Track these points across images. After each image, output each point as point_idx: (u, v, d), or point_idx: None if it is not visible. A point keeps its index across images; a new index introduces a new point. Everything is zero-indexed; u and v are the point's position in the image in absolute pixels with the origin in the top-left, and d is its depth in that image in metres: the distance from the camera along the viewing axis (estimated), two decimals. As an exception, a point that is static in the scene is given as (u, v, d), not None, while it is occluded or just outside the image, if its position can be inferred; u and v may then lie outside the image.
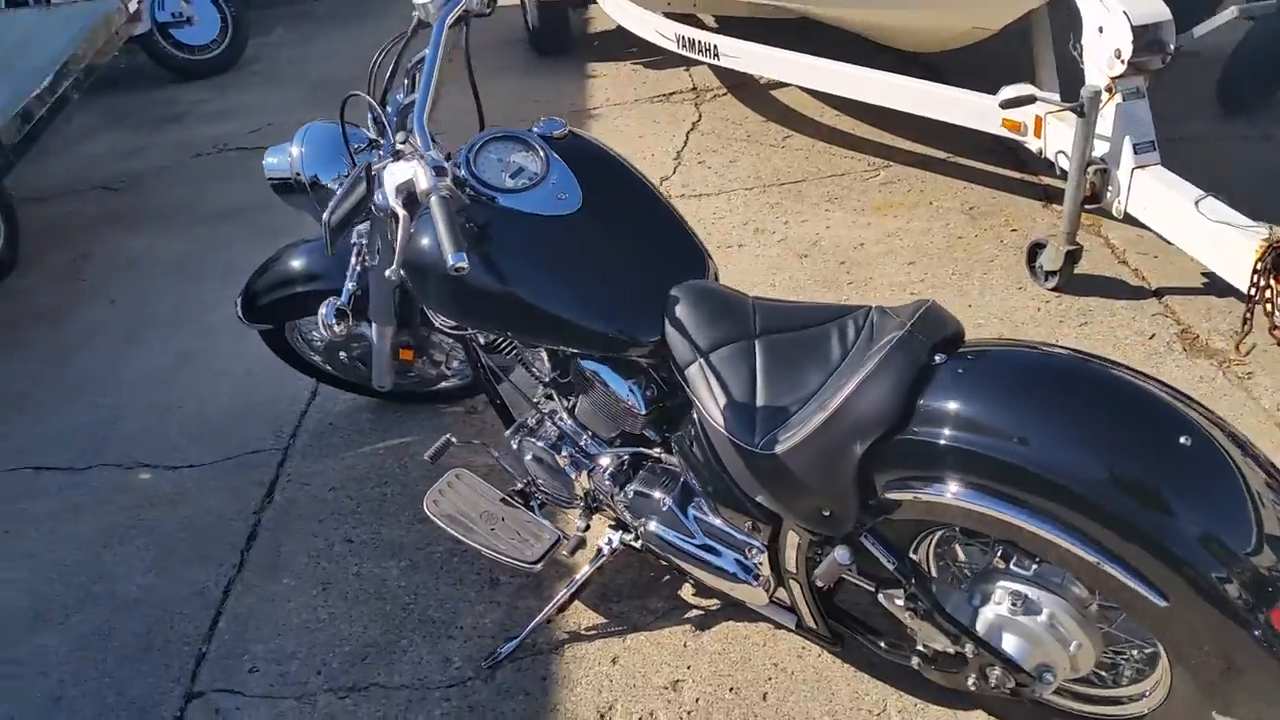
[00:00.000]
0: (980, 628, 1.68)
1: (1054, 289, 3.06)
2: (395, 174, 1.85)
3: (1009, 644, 1.66)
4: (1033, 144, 3.12)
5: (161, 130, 5.17)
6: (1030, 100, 2.87)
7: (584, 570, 2.18)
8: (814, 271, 3.30)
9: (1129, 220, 2.91)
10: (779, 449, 1.65)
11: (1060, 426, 1.47)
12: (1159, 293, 3.05)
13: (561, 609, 2.19)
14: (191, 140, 4.98)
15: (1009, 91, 2.90)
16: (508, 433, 2.22)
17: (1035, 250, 3.09)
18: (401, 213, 1.76)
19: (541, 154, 1.93)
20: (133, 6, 4.67)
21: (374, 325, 2.31)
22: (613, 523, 2.16)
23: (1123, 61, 2.72)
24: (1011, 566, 1.68)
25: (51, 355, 3.31)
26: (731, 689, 2.04)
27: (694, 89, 4.83)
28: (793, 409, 1.69)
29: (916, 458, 1.56)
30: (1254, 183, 3.39)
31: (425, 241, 1.84)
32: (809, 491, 1.66)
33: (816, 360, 1.73)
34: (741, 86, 4.71)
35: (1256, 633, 1.37)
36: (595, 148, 2.05)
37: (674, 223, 2.01)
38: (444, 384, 2.75)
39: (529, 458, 2.17)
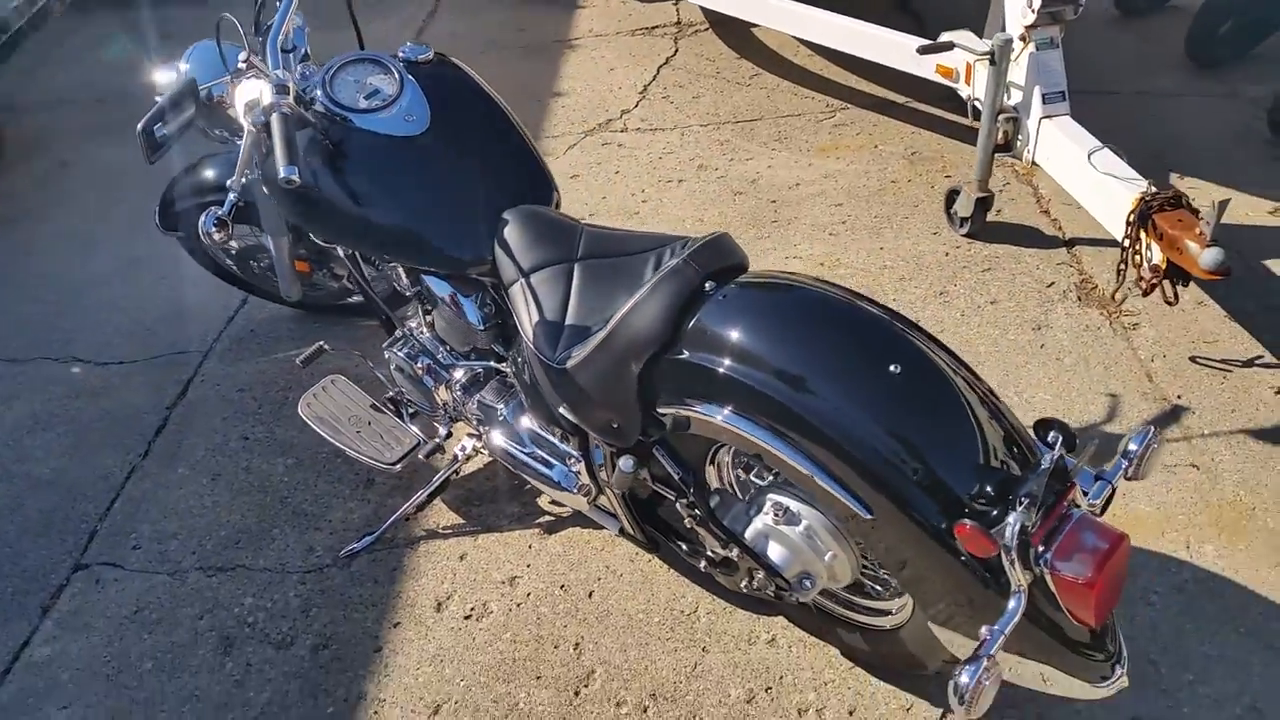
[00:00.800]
0: (748, 536, 1.81)
1: (967, 235, 3.12)
2: (244, 91, 2.01)
3: (772, 552, 1.79)
4: (963, 90, 3.16)
5: (162, 46, 5.36)
6: (949, 47, 2.91)
7: (440, 474, 2.35)
8: (744, 209, 3.39)
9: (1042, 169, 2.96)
10: (569, 364, 1.79)
11: (790, 352, 1.58)
12: (1070, 243, 3.09)
13: (420, 508, 2.37)
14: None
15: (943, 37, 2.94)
16: (384, 345, 2.38)
17: (952, 196, 3.14)
18: (249, 128, 1.92)
19: (396, 77, 2.06)
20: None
21: (268, 237, 2.47)
22: (470, 431, 2.32)
23: (1033, 10, 2.75)
24: (778, 480, 1.81)
25: (16, 254, 3.55)
26: (562, 586, 2.20)
27: (677, 23, 4.87)
28: (594, 329, 1.82)
29: (681, 378, 1.68)
30: (1206, 140, 3.40)
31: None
32: (597, 405, 1.80)
33: (625, 285, 1.85)
34: (724, 23, 4.74)
35: (943, 546, 1.48)
36: (458, 74, 2.17)
37: (523, 150, 2.13)
38: (354, 298, 2.91)
39: (394, 368, 2.34)
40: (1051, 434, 1.51)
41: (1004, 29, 2.91)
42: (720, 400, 1.63)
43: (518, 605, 2.18)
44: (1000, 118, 2.88)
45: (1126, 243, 2.46)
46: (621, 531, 2.13)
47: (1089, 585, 1.43)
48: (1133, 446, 1.57)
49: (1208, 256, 2.22)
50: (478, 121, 2.11)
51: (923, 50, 2.93)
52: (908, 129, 3.78)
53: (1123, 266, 2.49)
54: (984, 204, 3.04)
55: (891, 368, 1.52)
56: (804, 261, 3.11)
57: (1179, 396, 2.51)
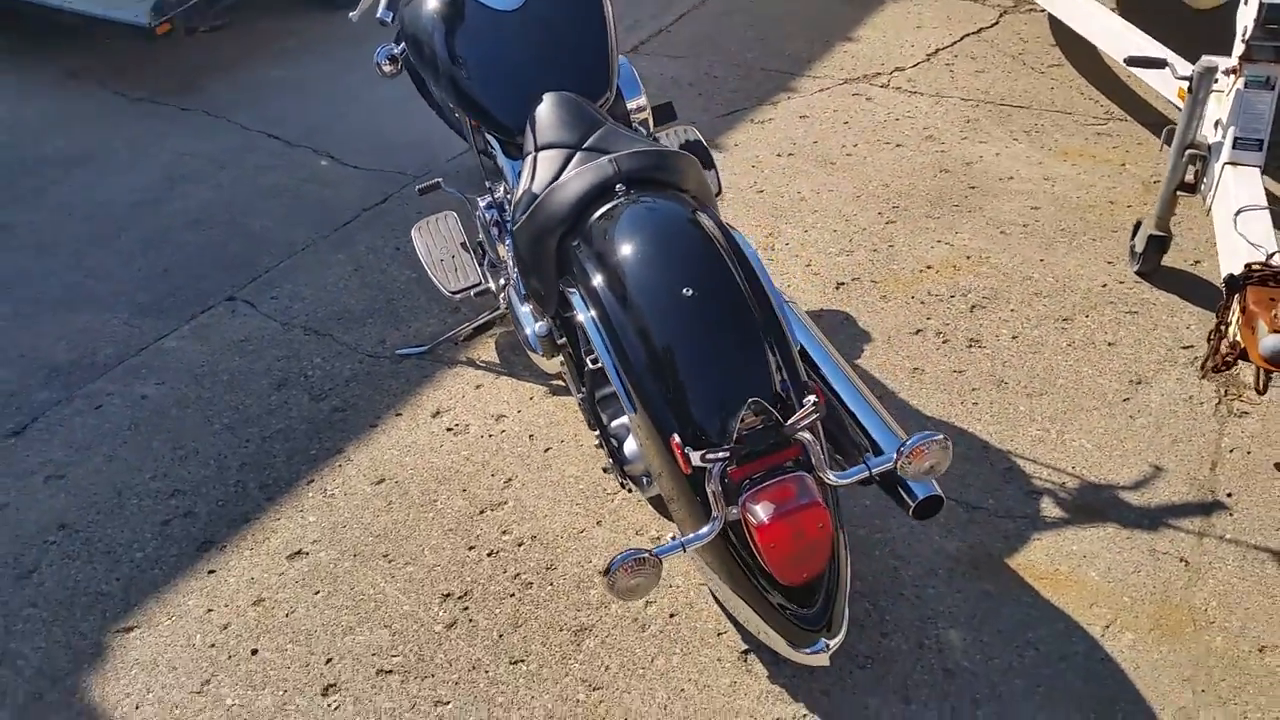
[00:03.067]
0: (611, 426, 2.06)
1: (1138, 272, 2.94)
2: None
3: (625, 445, 2.02)
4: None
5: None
6: (1159, 64, 2.73)
7: (484, 315, 2.79)
8: (936, 186, 3.40)
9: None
10: (514, 228, 2.12)
11: (627, 262, 1.77)
12: (1244, 311, 2.80)
13: (467, 339, 2.84)
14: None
15: (1147, 49, 2.78)
16: (480, 196, 2.83)
17: (1136, 229, 2.96)
18: None
19: None
20: None
21: None
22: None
23: (1244, 40, 2.52)
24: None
25: (321, 73, 4.45)
26: (530, 435, 2.57)
27: (1018, -1, 4.74)
28: None
29: (569, 263, 1.93)
30: None
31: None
32: (527, 269, 2.11)
33: None
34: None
35: (668, 454, 1.66)
36: None
37: (596, 47, 2.42)
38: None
39: (478, 219, 2.79)
40: (809, 398, 1.62)
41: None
42: (580, 289, 1.87)
43: (489, 435, 2.58)
44: (1187, 153, 2.67)
45: (1219, 312, 2.27)
46: (581, 402, 2.44)
47: (764, 532, 1.55)
48: (909, 442, 1.63)
49: (1268, 342, 2.03)
50: (567, 13, 2.43)
51: (1130, 61, 2.77)
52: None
53: (1211, 338, 2.30)
54: (1159, 244, 2.84)
55: (685, 291, 1.69)
56: (951, 248, 3.10)
57: (1229, 495, 2.29)
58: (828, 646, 1.67)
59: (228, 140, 4.01)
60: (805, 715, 1.91)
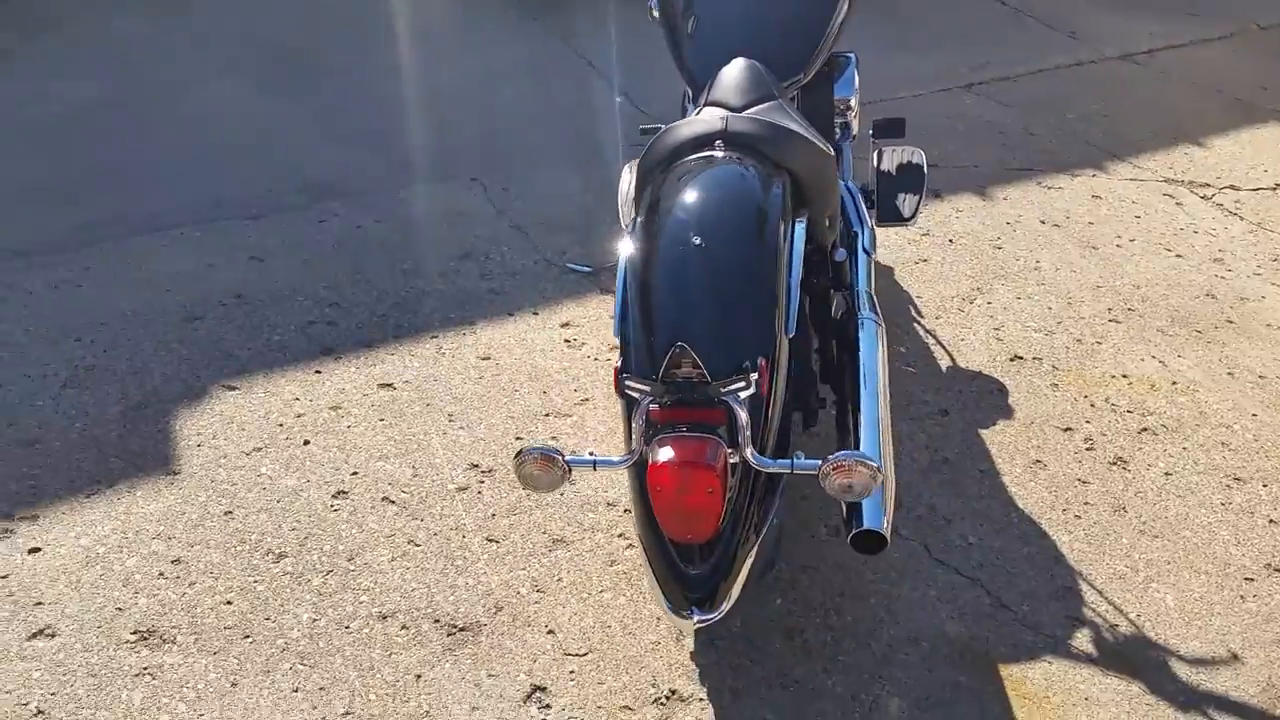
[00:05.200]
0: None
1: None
2: None
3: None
4: None
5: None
6: None
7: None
8: (1188, 307, 3.08)
9: None
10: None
11: (670, 204, 1.83)
12: None
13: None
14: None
15: None
16: None
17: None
18: None
19: None
20: None
21: None
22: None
23: None
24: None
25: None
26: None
27: None
28: None
29: (644, 198, 2.01)
30: None
31: None
32: (632, 201, 2.21)
33: None
34: None
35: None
36: None
37: (810, 35, 2.46)
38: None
39: None
40: (753, 374, 1.62)
41: None
42: (636, 221, 1.94)
43: (595, 358, 2.75)
44: None
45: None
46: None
47: (652, 472, 1.59)
48: (836, 455, 1.59)
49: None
50: (794, 5, 2.49)
51: None
52: None
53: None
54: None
55: (695, 239, 1.74)
56: (1162, 367, 2.82)
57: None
58: (693, 617, 1.68)
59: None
60: (703, 700, 1.92)
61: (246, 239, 3.15)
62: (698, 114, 2.17)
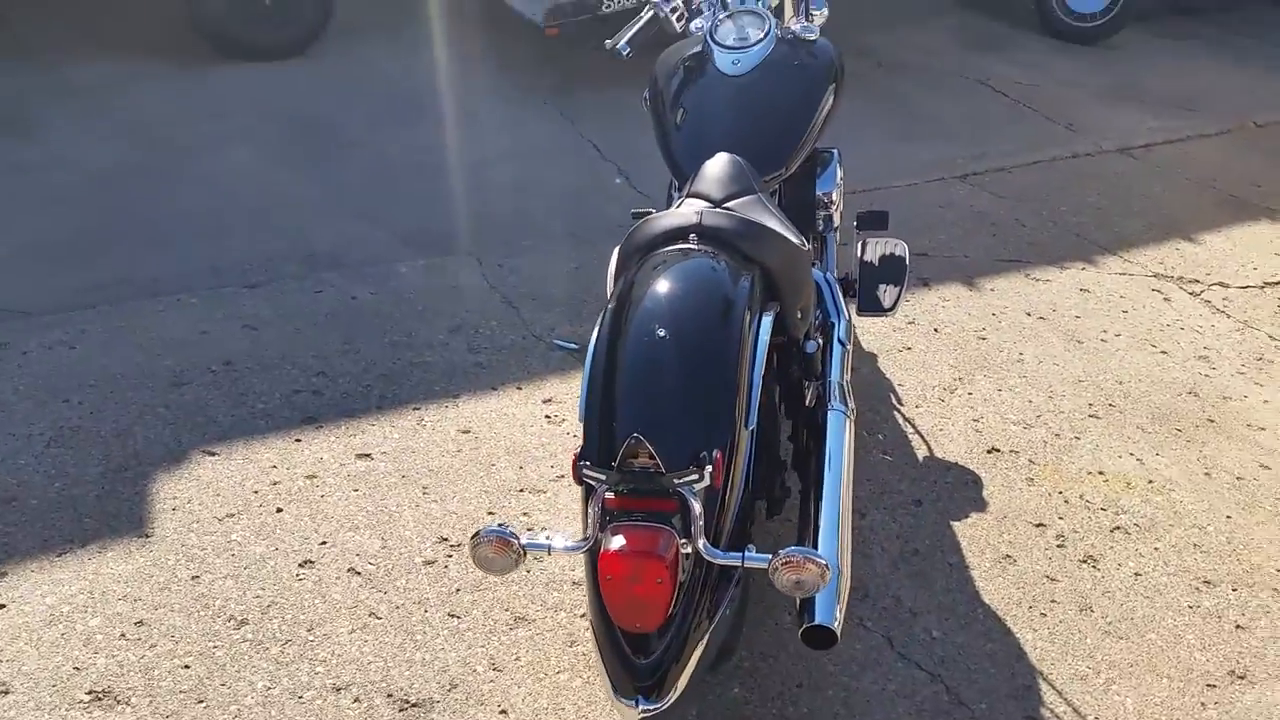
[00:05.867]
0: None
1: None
2: None
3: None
4: None
5: None
6: None
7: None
8: (1170, 405, 3.07)
9: None
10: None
11: (639, 294, 1.84)
12: None
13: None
14: None
15: None
16: None
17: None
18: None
19: (762, 37, 2.58)
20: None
21: None
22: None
23: None
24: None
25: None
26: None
27: None
28: None
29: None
30: None
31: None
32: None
33: None
34: None
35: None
36: (813, 57, 2.58)
37: (791, 132, 2.50)
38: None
39: None
40: (707, 468, 1.63)
41: None
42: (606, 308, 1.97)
43: (574, 434, 2.77)
44: None
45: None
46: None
47: (603, 561, 1.61)
48: (787, 550, 1.60)
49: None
50: (783, 90, 2.55)
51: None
52: None
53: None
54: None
55: (659, 330, 1.77)
56: (1139, 465, 2.81)
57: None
58: (638, 709, 1.67)
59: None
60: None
61: (242, 307, 3.21)
62: (678, 205, 2.22)
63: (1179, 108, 5.35)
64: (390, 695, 2.03)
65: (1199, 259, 3.95)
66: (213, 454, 2.62)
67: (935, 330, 3.38)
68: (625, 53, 2.67)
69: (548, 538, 1.70)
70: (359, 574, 2.30)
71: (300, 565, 2.32)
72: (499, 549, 1.66)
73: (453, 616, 2.21)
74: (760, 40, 2.54)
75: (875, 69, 5.64)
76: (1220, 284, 3.79)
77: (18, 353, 2.97)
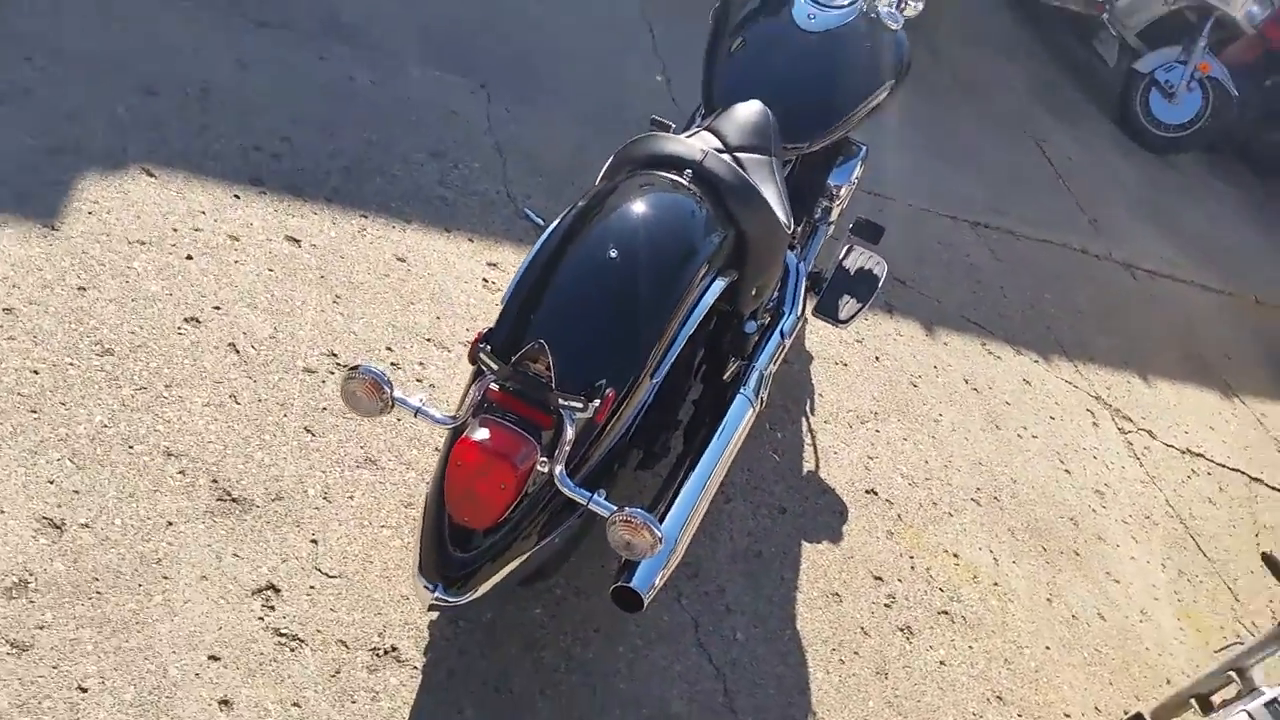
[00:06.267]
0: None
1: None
2: None
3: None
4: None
5: None
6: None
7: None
8: (1046, 520, 3.14)
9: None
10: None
11: (610, 206, 1.82)
12: None
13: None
14: None
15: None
16: None
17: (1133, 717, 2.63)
18: None
19: (848, 3, 2.48)
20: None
21: None
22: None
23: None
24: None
25: None
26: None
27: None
28: None
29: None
30: None
31: None
32: None
33: None
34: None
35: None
36: (882, 40, 2.49)
37: (834, 112, 2.45)
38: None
39: None
40: (594, 400, 1.62)
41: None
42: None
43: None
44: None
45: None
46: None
47: (458, 447, 1.59)
48: (630, 510, 1.59)
49: None
50: (838, 69, 2.47)
51: None
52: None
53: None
54: (1146, 726, 2.53)
55: (611, 250, 1.73)
56: (992, 564, 2.88)
57: None
58: (433, 594, 1.69)
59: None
60: (416, 669, 1.93)
61: (244, 42, 3.07)
62: (692, 134, 2.16)
63: (1198, 251, 5.35)
64: (215, 480, 2.03)
65: (1142, 400, 3.99)
66: (151, 175, 2.54)
67: (877, 359, 3.39)
68: None
69: (421, 400, 1.69)
70: (238, 352, 2.27)
71: (185, 320, 2.27)
72: (369, 391, 1.64)
73: (308, 431, 2.20)
74: (845, 6, 2.45)
75: (950, 80, 5.52)
76: (1149, 432, 3.85)
77: (0, -6, 2.81)
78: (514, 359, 1.62)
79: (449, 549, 1.70)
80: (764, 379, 2.28)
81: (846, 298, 2.80)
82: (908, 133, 4.73)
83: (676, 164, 1.94)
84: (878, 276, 2.82)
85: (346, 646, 1.90)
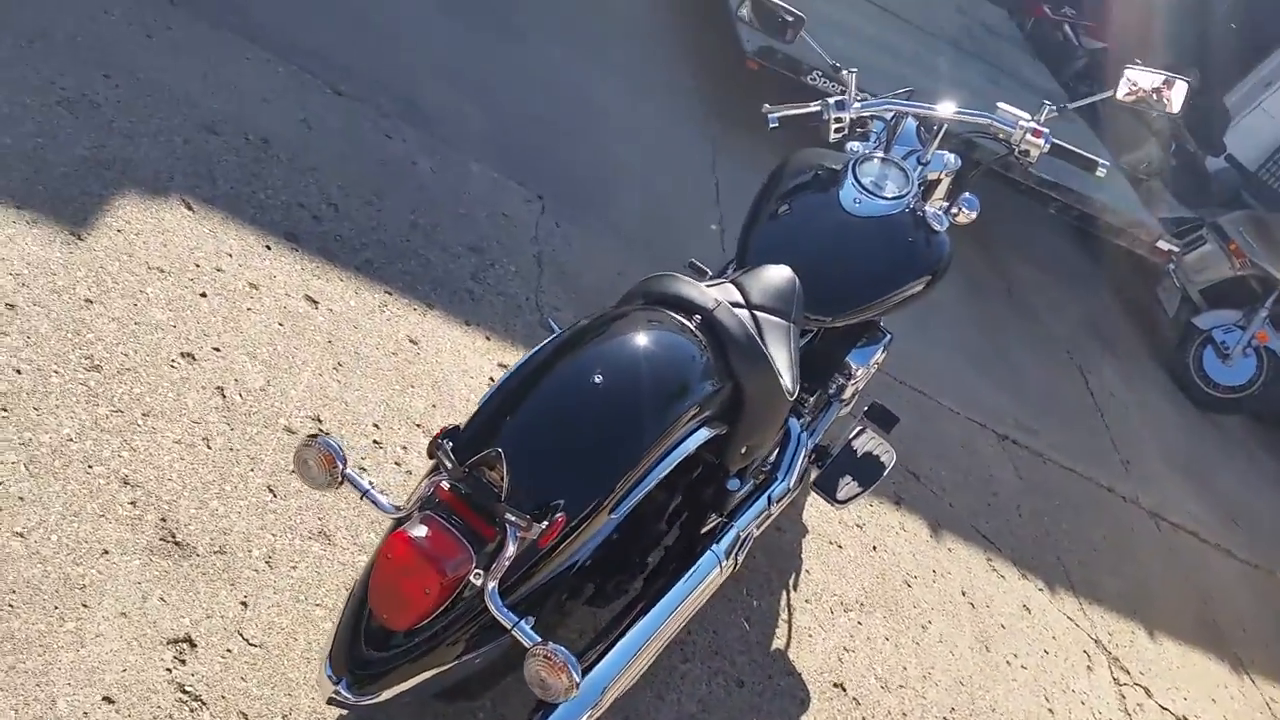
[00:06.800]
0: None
1: None
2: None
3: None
4: None
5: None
6: None
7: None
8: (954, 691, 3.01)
9: None
10: None
11: (606, 333, 1.82)
12: None
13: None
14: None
15: None
16: None
17: None
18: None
19: (896, 197, 2.51)
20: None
21: None
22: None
23: None
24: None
25: None
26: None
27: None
28: None
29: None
30: None
31: None
32: None
33: None
34: None
35: None
36: (922, 241, 2.50)
37: (862, 297, 2.45)
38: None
39: None
40: (543, 522, 1.57)
41: None
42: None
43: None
44: None
45: None
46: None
47: (391, 540, 1.55)
48: (552, 646, 1.53)
49: None
50: (874, 256, 2.47)
51: None
52: None
53: None
54: None
55: (597, 375, 1.71)
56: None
57: None
58: (335, 686, 1.61)
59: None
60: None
61: (315, 103, 3.18)
62: (714, 283, 2.17)
63: (1227, 515, 5.25)
64: (164, 519, 1.99)
65: (1144, 654, 3.85)
66: (190, 209, 2.60)
67: (874, 548, 3.31)
68: (772, 124, 2.64)
69: (371, 484, 1.66)
70: (224, 397, 2.26)
71: (181, 354, 2.28)
72: (322, 462, 1.61)
73: (270, 491, 2.17)
74: (892, 198, 2.49)
75: (1004, 293, 5.57)
76: (1145, 689, 3.69)
77: (99, 9, 2.95)
78: (469, 461, 1.59)
79: (362, 645, 1.63)
80: (742, 541, 2.23)
81: (848, 479, 2.76)
82: (951, 333, 4.76)
83: (688, 307, 1.95)
84: (884, 465, 2.78)
85: (245, 718, 1.82)
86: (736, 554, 2.22)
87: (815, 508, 3.24)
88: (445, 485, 1.60)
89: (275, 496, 2.17)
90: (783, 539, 3.05)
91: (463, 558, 1.55)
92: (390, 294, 2.80)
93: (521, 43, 4.40)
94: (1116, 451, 5.01)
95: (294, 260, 2.68)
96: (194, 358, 2.29)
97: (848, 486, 2.74)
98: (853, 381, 2.68)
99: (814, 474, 2.78)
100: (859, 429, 2.83)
